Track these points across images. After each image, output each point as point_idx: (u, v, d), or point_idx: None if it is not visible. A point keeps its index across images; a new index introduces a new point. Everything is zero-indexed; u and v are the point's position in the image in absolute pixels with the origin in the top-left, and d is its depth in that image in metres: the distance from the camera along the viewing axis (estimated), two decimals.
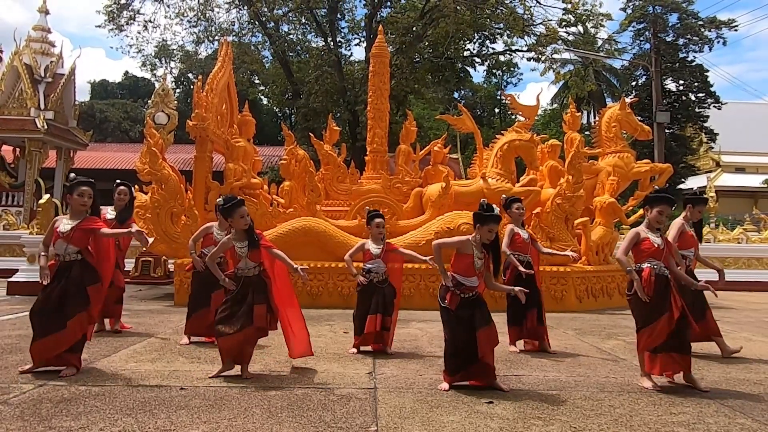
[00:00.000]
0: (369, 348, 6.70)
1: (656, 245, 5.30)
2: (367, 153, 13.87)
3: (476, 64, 33.27)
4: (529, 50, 28.25)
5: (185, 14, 29.98)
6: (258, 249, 5.47)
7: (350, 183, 13.42)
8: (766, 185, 34.46)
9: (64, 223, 5.46)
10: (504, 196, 7.89)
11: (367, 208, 7.71)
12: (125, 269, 9.31)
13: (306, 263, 10.87)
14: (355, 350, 6.65)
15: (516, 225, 7.25)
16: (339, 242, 11.20)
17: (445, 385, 5.11)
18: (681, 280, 5.40)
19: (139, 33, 29.95)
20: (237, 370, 5.40)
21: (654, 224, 5.41)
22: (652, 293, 5.19)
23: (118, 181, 8.15)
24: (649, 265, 5.27)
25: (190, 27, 30.63)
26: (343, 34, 31.25)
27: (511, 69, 43.92)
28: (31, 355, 5.32)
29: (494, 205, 5.28)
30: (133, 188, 8.30)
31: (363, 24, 30.15)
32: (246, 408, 4.42)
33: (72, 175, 5.79)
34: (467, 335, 5.09)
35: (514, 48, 30.12)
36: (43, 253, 5.50)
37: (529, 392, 5.04)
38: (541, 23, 26.91)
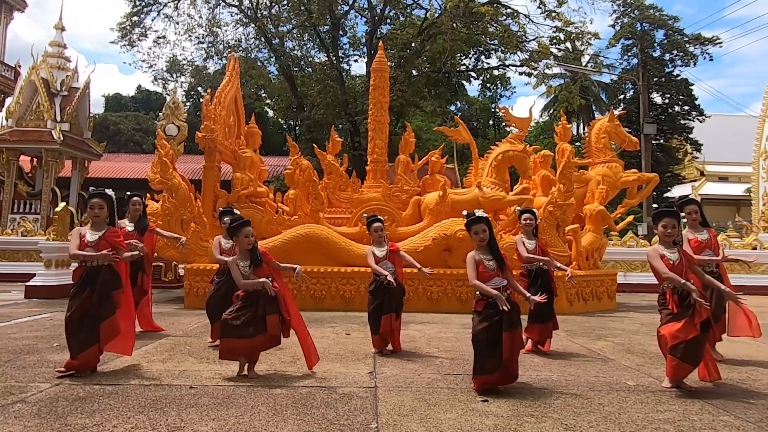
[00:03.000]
0: (389, 348, 6.69)
1: (672, 262, 5.18)
2: (368, 163, 13.90)
3: (471, 79, 33.33)
4: (521, 65, 28.31)
5: (194, 31, 30.17)
6: (261, 267, 5.50)
7: (352, 192, 13.43)
8: (747, 194, 34.48)
9: (90, 233, 5.51)
10: (517, 208, 7.87)
11: (365, 215, 7.71)
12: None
13: (309, 268, 10.95)
14: (375, 350, 6.63)
15: (526, 235, 7.24)
16: (341, 248, 11.23)
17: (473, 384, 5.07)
18: (709, 284, 5.32)
19: (150, 49, 30.12)
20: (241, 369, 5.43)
21: (663, 239, 5.29)
22: (677, 309, 5.10)
23: (129, 193, 8.19)
24: (669, 286, 5.19)
25: (199, 43, 30.83)
26: (344, 50, 31.37)
27: (505, 83, 44.00)
28: (71, 363, 5.32)
29: (476, 210, 5.40)
30: (143, 197, 8.33)
31: (364, 40, 30.24)
32: (252, 406, 4.43)
33: (91, 189, 5.83)
34: (492, 336, 4.99)
35: (507, 63, 30.19)
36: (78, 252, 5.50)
37: (522, 391, 5.04)
38: (533, 40, 27.00)
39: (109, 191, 5.73)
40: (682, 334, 4.98)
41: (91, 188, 5.89)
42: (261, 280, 5.41)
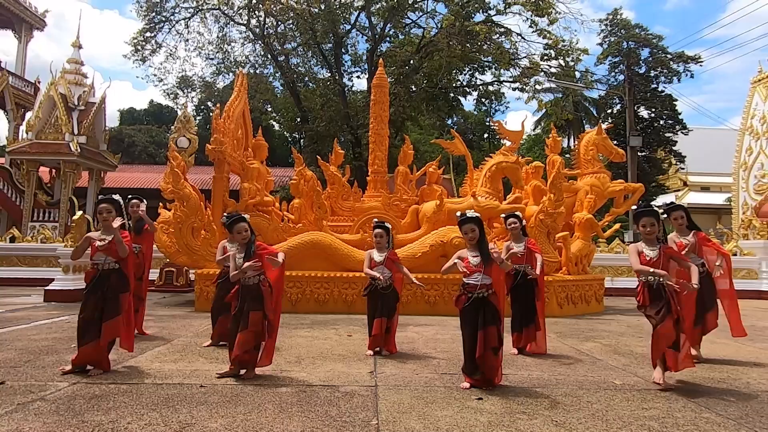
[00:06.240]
0: (379, 349, 6.69)
1: (649, 258, 5.21)
2: (369, 173, 13.93)
3: (467, 94, 33.33)
4: (514, 81, 28.35)
5: (204, 48, 30.29)
6: (253, 259, 5.43)
7: (353, 201, 13.46)
8: (728, 203, 34.55)
9: (100, 237, 5.55)
10: (503, 215, 7.83)
11: (375, 219, 7.70)
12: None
13: (313, 273, 10.98)
14: (370, 352, 6.63)
15: (514, 239, 7.21)
16: (343, 254, 11.24)
17: (466, 384, 5.08)
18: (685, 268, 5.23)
19: (162, 64, 30.22)
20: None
21: (644, 237, 5.32)
22: (648, 303, 5.17)
23: (130, 196, 8.23)
24: (642, 279, 5.25)
25: (208, 59, 30.93)
26: (346, 67, 31.43)
27: (499, 98, 44.01)
28: (75, 358, 5.38)
29: (468, 211, 5.44)
30: (143, 200, 8.31)
31: (365, 57, 30.32)
32: (259, 404, 4.44)
33: (100, 196, 5.87)
34: (474, 336, 5.07)
35: (501, 79, 30.28)
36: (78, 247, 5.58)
37: (515, 389, 5.05)
38: (525, 57, 27.04)
39: (116, 196, 5.79)
40: (666, 340, 5.06)
41: (99, 195, 5.95)
42: (242, 267, 5.34)
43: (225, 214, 7.89)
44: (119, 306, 5.47)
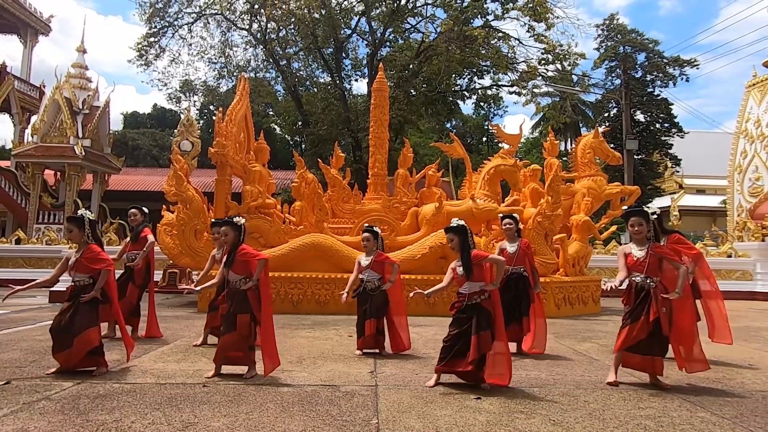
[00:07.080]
0: (376, 350, 6.71)
1: (636, 258, 5.25)
2: (369, 176, 13.93)
3: (465, 98, 33.34)
4: (512, 85, 28.34)
5: (207, 52, 30.31)
6: (233, 265, 5.43)
7: (354, 203, 13.47)
8: (723, 205, 34.54)
9: (74, 255, 5.61)
10: (501, 215, 7.82)
11: (365, 224, 7.73)
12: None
13: (314, 274, 10.99)
14: (359, 352, 6.67)
15: (508, 239, 7.23)
16: (344, 256, 11.24)
17: (431, 382, 5.18)
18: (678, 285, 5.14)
19: (165, 68, 30.20)
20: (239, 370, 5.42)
21: (633, 237, 5.34)
22: (632, 302, 5.22)
23: (131, 207, 8.30)
24: (631, 278, 5.28)
25: (211, 64, 30.95)
26: (347, 71, 31.43)
27: (497, 102, 44.03)
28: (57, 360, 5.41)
29: (453, 220, 5.47)
30: (143, 209, 8.34)
31: (365, 62, 30.33)
32: (261, 403, 4.44)
33: (79, 211, 5.89)
34: (462, 335, 5.10)
35: (499, 83, 30.28)
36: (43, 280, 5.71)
37: (512, 389, 5.05)
38: (523, 61, 27.04)
39: (81, 211, 5.80)
40: (633, 340, 5.11)
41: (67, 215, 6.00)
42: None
43: (212, 221, 8.01)
44: (94, 317, 5.46)
